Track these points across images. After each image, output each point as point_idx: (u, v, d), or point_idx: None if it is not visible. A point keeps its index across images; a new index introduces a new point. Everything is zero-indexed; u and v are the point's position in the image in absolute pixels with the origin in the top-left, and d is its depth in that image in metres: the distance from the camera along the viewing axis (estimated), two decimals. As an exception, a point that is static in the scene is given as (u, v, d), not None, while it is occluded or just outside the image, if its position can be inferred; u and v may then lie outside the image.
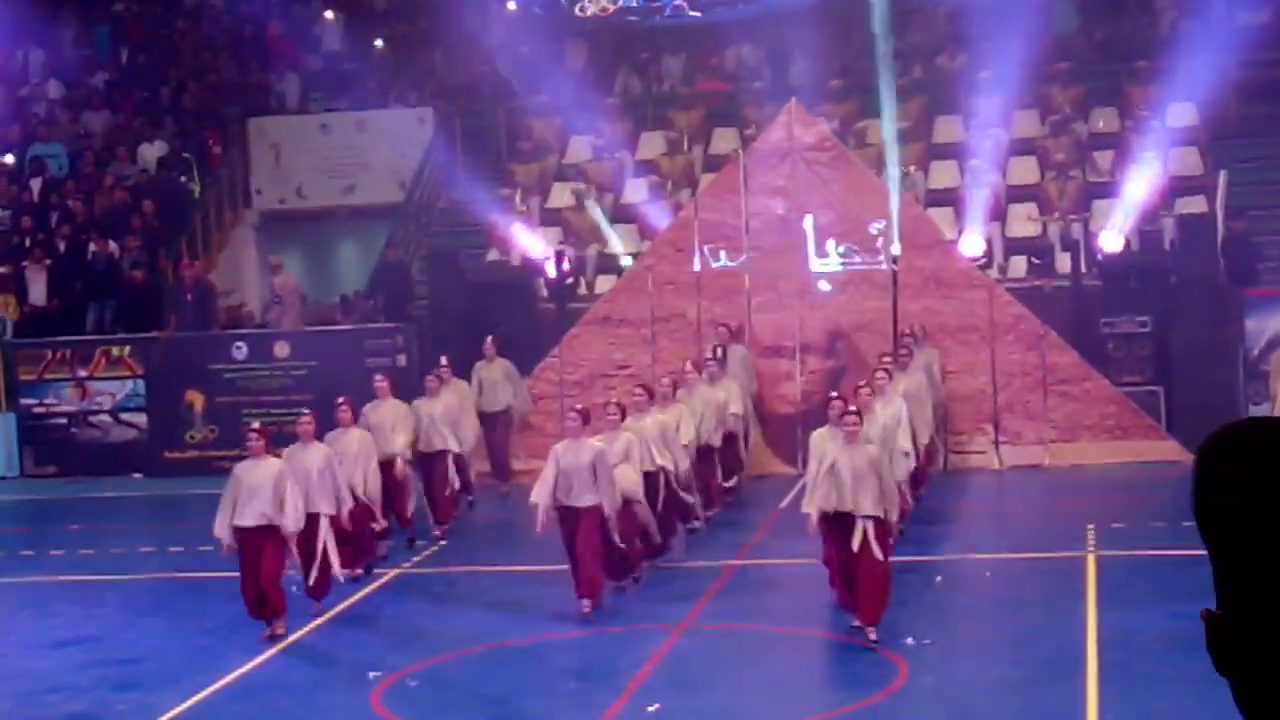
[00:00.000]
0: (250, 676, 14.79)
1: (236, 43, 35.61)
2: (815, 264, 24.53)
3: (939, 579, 17.65)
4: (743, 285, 24.73)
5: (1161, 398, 24.54)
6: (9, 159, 33.03)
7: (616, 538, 16.13)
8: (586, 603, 15.94)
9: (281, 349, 26.85)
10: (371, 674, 14.44)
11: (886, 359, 20.37)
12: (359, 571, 17.88)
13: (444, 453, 20.39)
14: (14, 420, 27.73)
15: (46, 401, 27.61)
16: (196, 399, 26.97)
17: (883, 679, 13.61)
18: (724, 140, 30.31)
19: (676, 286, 24.94)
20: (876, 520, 14.38)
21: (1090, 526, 19.19)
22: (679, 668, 14.54)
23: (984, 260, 26.10)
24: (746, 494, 22.47)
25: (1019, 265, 27.13)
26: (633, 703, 13.39)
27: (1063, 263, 26.66)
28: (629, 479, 16.57)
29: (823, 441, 15.31)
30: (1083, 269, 26.20)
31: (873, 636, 14.46)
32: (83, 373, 27.47)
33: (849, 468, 14.41)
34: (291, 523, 15.27)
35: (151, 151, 32.55)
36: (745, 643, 15.58)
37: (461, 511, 21.25)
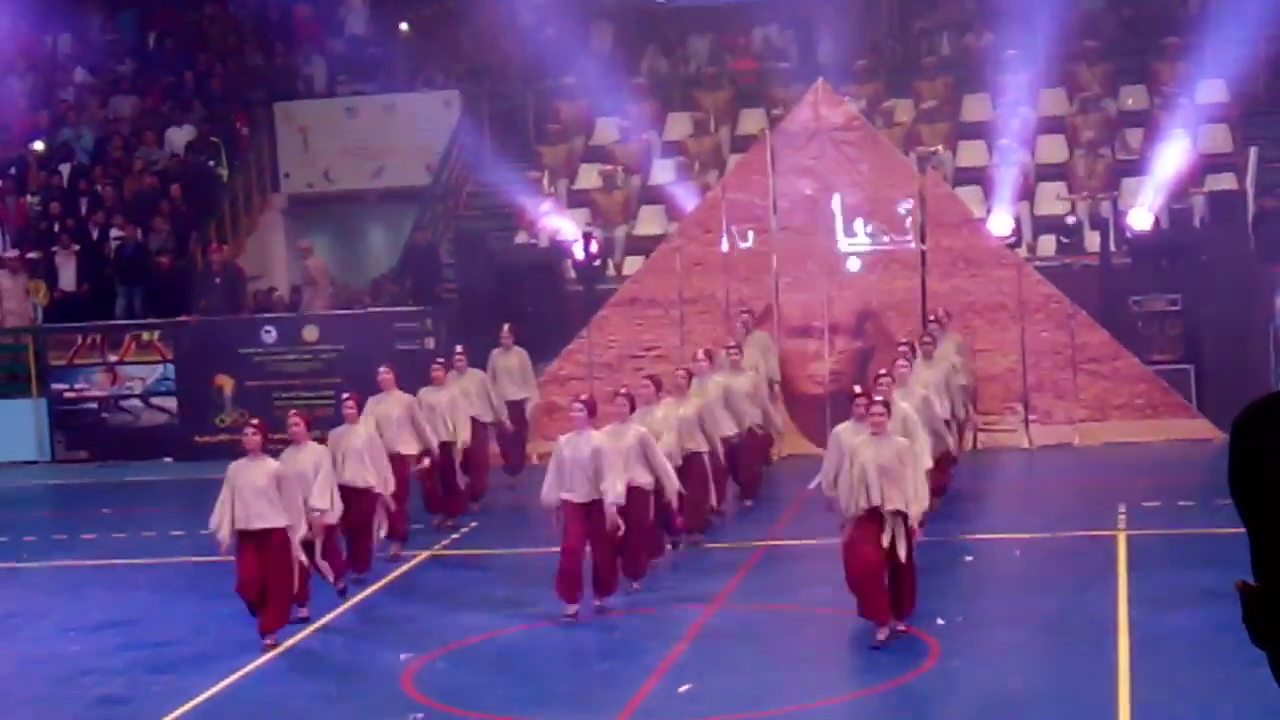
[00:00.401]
0: (282, 659, 14.83)
1: (262, 26, 35.66)
2: (844, 244, 24.53)
3: (969, 558, 17.62)
4: (770, 266, 24.71)
5: (1192, 376, 24.47)
6: (39, 145, 33.13)
7: (620, 530, 15.26)
8: (600, 600, 15.65)
9: (310, 333, 26.92)
10: (402, 656, 14.48)
11: (904, 348, 19.57)
12: (341, 587, 16.37)
13: (449, 445, 19.89)
14: (45, 405, 27.87)
15: (77, 386, 27.73)
16: (226, 383, 27.07)
17: (914, 658, 13.60)
18: (751, 120, 30.26)
19: (704, 267, 24.93)
20: (905, 516, 13.83)
21: (1121, 505, 19.14)
22: (710, 648, 14.54)
23: (1013, 239, 26.06)
24: (776, 474, 22.46)
25: (1048, 244, 27.04)
26: (664, 682, 13.41)
27: (1092, 241, 26.58)
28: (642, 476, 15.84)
29: (841, 438, 14.68)
30: (1112, 247, 26.12)
31: (901, 626, 14.15)
32: (113, 357, 27.58)
33: (875, 462, 13.70)
34: (300, 526, 14.89)
35: (179, 136, 32.63)
36: (776, 623, 15.57)
37: (469, 503, 20.75)
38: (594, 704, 13.13)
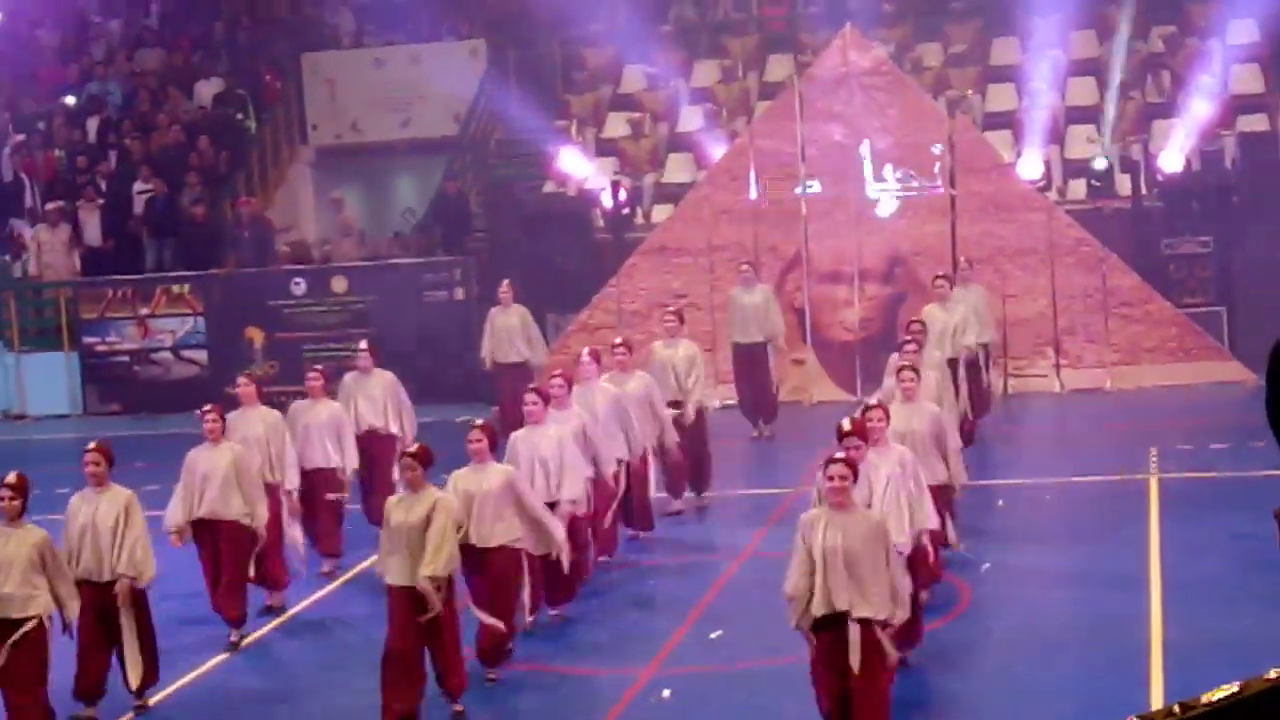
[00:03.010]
0: (310, 611, 14.92)
1: (289, -24, 35.56)
2: (873, 189, 24.40)
3: (1001, 503, 17.60)
4: (799, 212, 24.62)
5: (1224, 318, 24.38)
6: (70, 99, 33.10)
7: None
8: (457, 702, 11.98)
9: (339, 284, 26.91)
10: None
11: (875, 413, 12.20)
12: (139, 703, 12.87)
13: (329, 471, 16.21)
14: (77, 359, 27.96)
15: (108, 340, 27.80)
16: (256, 335, 27.11)
17: (945, 604, 13.59)
18: (779, 67, 30.07)
19: (732, 215, 24.85)
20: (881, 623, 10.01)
21: (1153, 449, 19.09)
22: (740, 596, 14.55)
23: (1042, 183, 25.92)
24: (805, 421, 22.39)
25: (1078, 187, 26.90)
26: (695, 631, 13.43)
27: (1122, 184, 26.43)
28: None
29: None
30: (1143, 190, 25.98)
31: None
32: (144, 311, 27.63)
33: (838, 547, 9.88)
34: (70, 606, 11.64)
35: (207, 89, 32.58)
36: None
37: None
38: (625, 652, 13.16)
